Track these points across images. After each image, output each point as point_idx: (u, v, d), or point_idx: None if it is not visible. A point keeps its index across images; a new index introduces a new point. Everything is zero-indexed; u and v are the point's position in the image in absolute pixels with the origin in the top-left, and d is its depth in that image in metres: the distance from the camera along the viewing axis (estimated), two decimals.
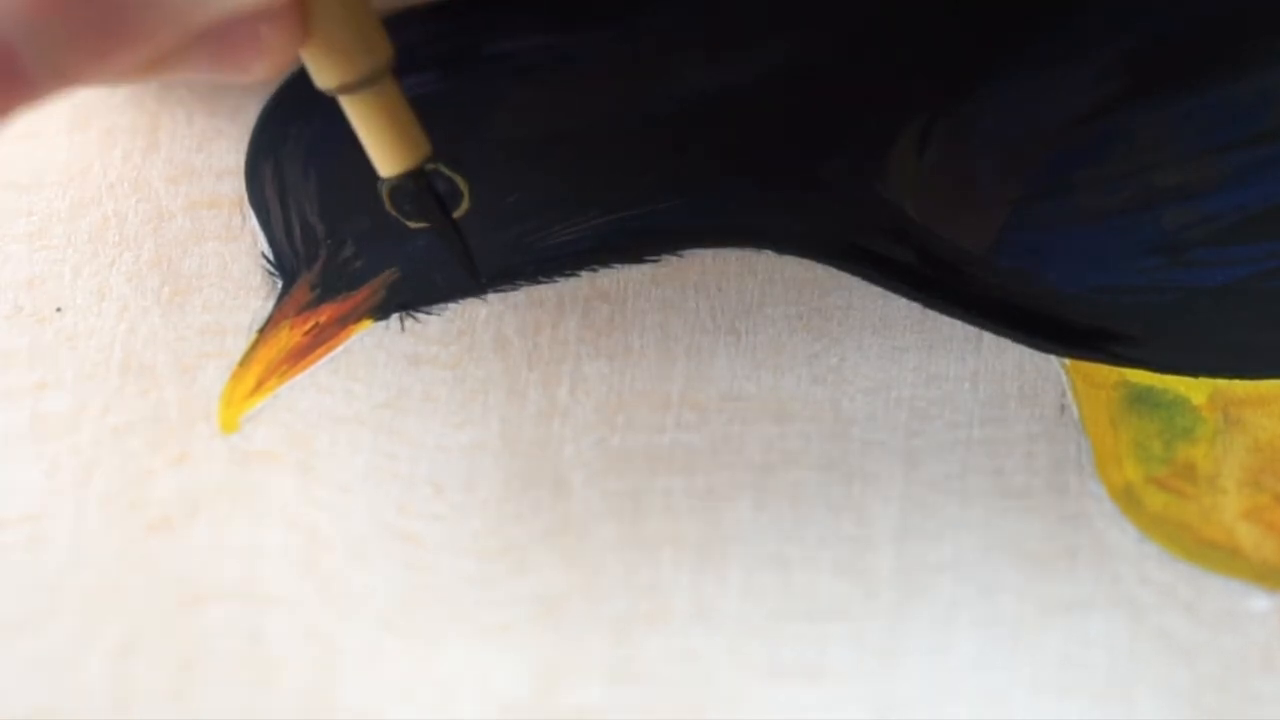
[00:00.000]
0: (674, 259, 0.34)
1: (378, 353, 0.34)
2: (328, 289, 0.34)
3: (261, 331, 0.34)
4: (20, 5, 0.25)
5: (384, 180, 0.34)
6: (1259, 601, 0.31)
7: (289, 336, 0.34)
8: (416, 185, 0.32)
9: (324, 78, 0.30)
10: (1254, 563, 0.31)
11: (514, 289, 0.34)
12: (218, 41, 0.29)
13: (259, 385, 0.34)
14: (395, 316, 0.34)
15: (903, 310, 0.34)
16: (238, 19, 0.28)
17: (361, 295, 0.34)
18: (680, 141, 0.35)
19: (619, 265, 0.34)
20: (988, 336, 0.33)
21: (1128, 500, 0.32)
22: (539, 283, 0.34)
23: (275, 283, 0.34)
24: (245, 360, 0.34)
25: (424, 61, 0.35)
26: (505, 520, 0.32)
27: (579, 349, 0.34)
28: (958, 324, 0.34)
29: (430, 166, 0.34)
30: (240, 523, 0.32)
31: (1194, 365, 0.33)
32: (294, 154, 0.35)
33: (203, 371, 0.34)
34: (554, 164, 0.35)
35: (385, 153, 0.31)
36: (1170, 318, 0.33)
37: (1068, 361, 0.33)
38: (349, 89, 0.30)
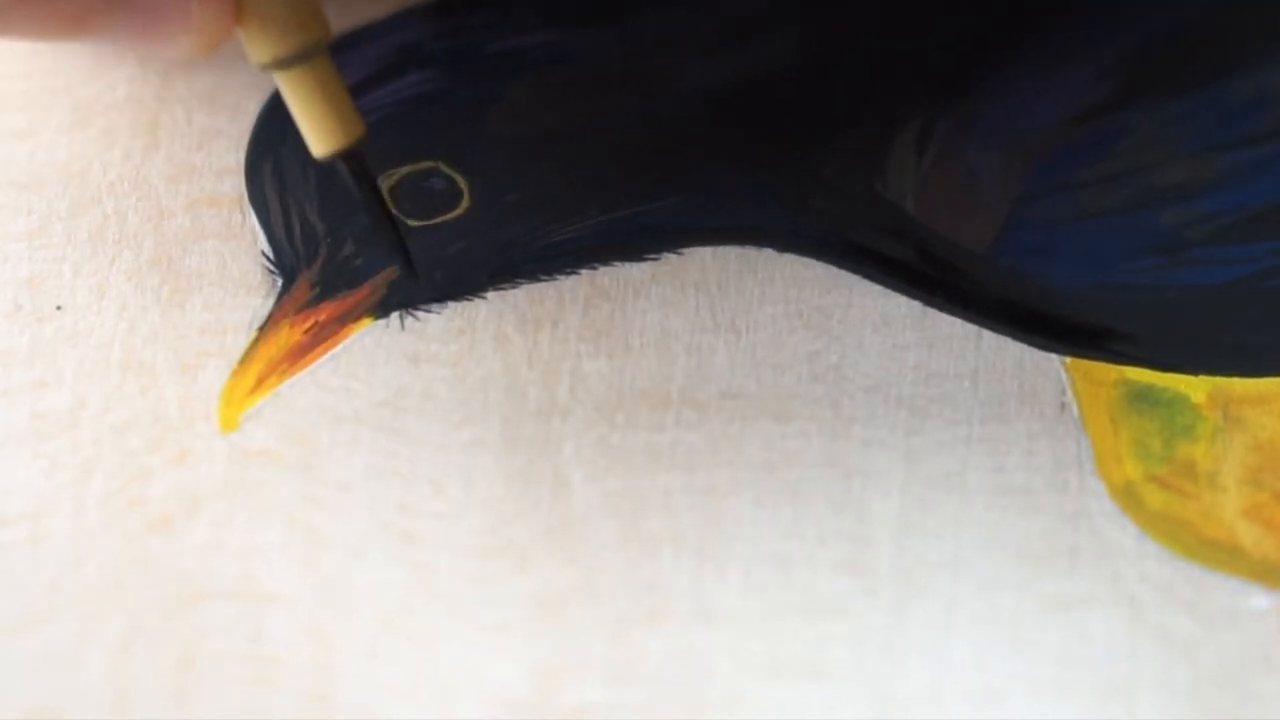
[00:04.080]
0: (674, 257, 0.34)
1: (378, 351, 0.34)
2: (328, 287, 0.34)
3: (261, 330, 0.34)
4: None
5: (384, 176, 0.34)
6: (1259, 600, 0.31)
7: (289, 335, 0.34)
8: (350, 169, 0.32)
9: (257, 53, 0.30)
10: (1254, 561, 0.31)
11: (514, 288, 0.34)
12: (144, 10, 0.29)
13: (259, 383, 0.34)
14: (395, 315, 0.34)
15: (903, 308, 0.34)
16: None
17: (361, 293, 0.34)
18: (680, 140, 0.35)
19: (619, 264, 0.34)
20: (988, 335, 0.33)
21: (1128, 498, 0.32)
22: (539, 281, 0.34)
23: (275, 281, 0.35)
24: (245, 358, 0.34)
25: (424, 61, 0.35)
26: (505, 519, 0.32)
27: (579, 348, 0.34)
28: (958, 322, 0.34)
29: (430, 165, 0.34)
30: (240, 521, 0.32)
31: (1194, 363, 0.33)
32: (294, 153, 0.35)
33: (203, 370, 0.34)
34: (554, 163, 0.35)
35: (319, 131, 0.31)
36: (1170, 316, 0.33)
37: (1068, 359, 0.33)
38: (283, 64, 0.30)
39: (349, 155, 0.31)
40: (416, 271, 0.34)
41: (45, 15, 0.29)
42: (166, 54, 0.31)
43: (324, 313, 0.34)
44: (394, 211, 0.34)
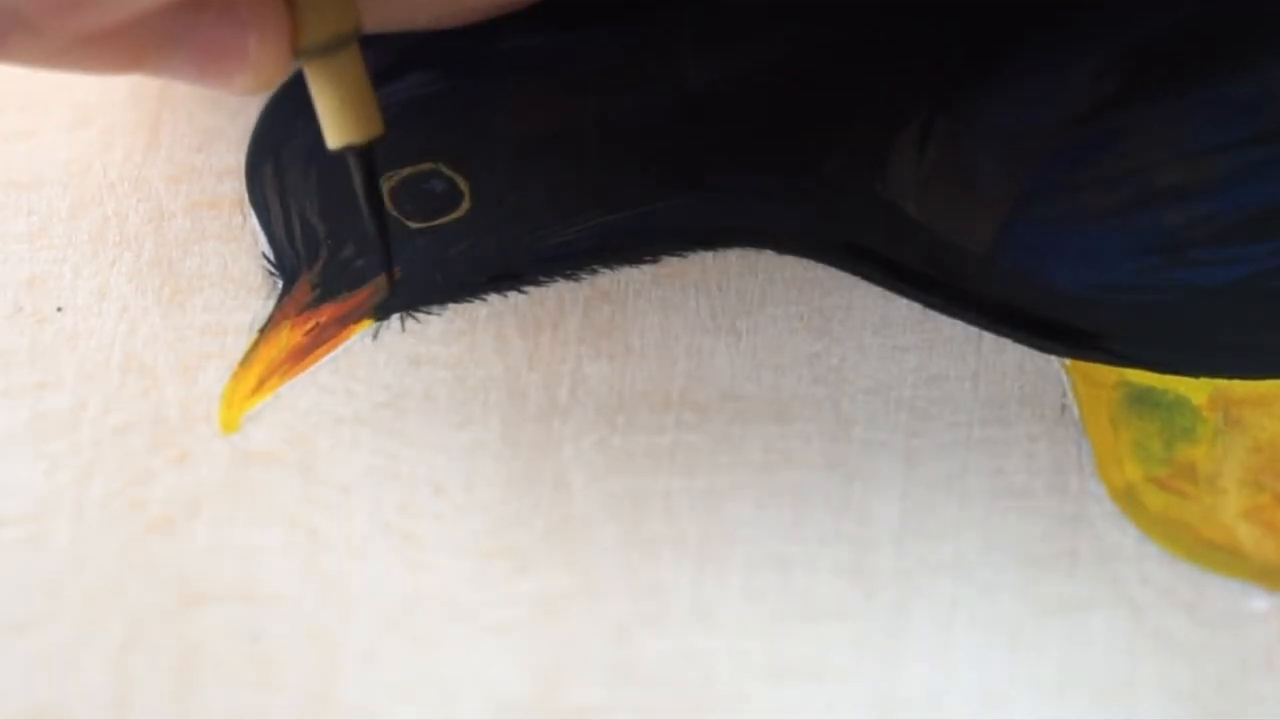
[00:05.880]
0: (674, 259, 0.34)
1: (378, 352, 0.34)
2: (328, 288, 0.34)
3: (262, 331, 0.34)
4: None
5: (384, 177, 0.34)
6: (1259, 601, 0.31)
7: (290, 336, 0.34)
8: (359, 165, 0.31)
9: (294, 36, 0.30)
10: (1254, 562, 0.31)
11: (515, 290, 0.34)
12: (201, 47, 0.29)
13: (260, 385, 0.34)
14: (395, 316, 0.34)
15: (903, 310, 0.34)
16: (223, 23, 0.28)
17: (362, 295, 0.34)
18: (680, 140, 0.35)
19: (620, 265, 0.34)
20: (988, 336, 0.33)
21: (1128, 500, 0.32)
22: (539, 283, 0.34)
23: (276, 283, 0.35)
24: (246, 360, 0.34)
25: (426, 61, 0.35)
26: (505, 520, 0.32)
27: (579, 349, 0.34)
28: (958, 324, 0.34)
29: (430, 166, 0.34)
30: (240, 523, 0.32)
31: (1194, 365, 0.33)
32: (295, 154, 0.35)
33: (203, 371, 0.34)
34: (554, 164, 0.35)
35: (339, 121, 0.30)
36: (1171, 317, 0.33)
37: (1068, 361, 0.33)
38: (313, 52, 0.30)
39: (361, 151, 0.31)
40: (392, 281, 0.34)
41: (102, 53, 0.29)
42: (224, 91, 0.31)
43: (325, 314, 0.34)
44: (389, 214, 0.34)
